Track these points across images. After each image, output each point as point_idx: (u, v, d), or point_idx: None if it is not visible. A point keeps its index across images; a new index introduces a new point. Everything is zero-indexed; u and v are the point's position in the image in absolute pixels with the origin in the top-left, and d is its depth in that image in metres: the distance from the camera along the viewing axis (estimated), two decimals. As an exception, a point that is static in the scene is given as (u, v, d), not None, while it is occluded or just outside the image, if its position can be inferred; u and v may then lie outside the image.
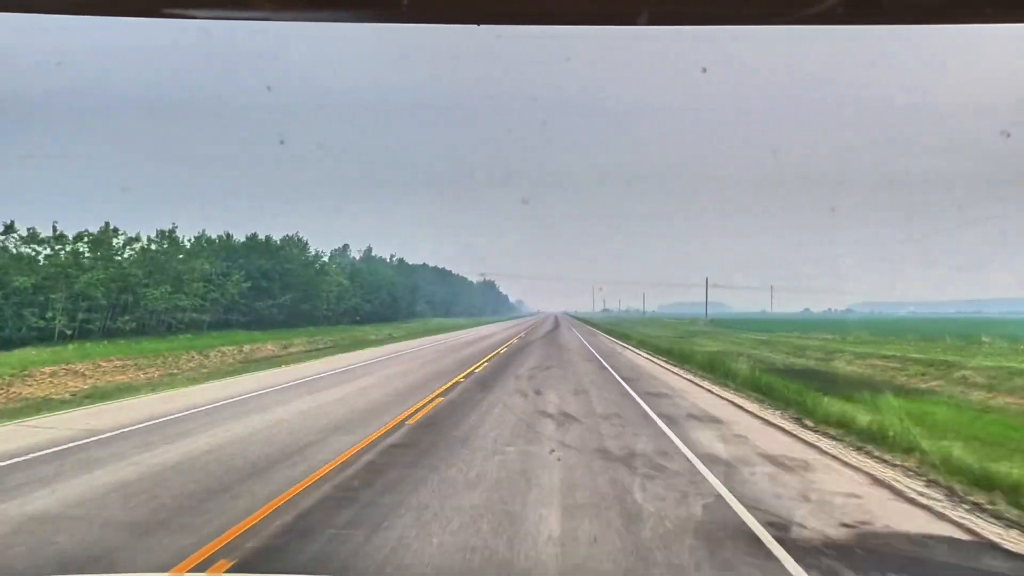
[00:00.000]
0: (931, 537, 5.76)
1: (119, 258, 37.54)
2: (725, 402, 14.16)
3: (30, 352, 24.91)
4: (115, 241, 38.07)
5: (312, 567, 4.93)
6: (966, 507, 6.61)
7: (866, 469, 8.14)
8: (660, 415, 12.13)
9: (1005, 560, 5.33)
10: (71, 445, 9.20)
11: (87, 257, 35.24)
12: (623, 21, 1.66)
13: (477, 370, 20.72)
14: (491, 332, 55.16)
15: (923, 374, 20.22)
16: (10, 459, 8.52)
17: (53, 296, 31.51)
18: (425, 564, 4.97)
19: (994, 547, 5.51)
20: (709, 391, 15.96)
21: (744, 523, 5.89)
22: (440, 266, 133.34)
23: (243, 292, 47.58)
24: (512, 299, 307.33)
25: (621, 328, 64.68)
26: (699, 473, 7.66)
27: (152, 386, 16.70)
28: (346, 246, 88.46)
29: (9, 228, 32.07)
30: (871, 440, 9.47)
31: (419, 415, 11.88)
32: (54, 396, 14.50)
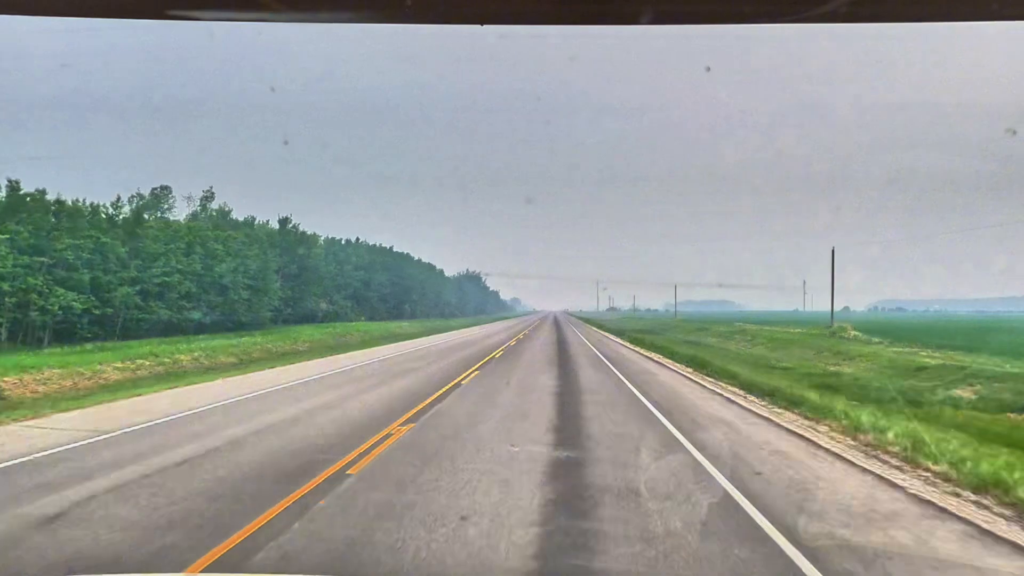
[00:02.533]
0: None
1: None
2: None
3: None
4: None
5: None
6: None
7: None
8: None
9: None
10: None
11: None
12: (627, 20, 1.98)
13: None
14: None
15: None
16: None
17: None
18: None
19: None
20: None
21: None
22: (396, 249, 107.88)
23: None
24: (507, 296, 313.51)
25: (733, 361, 30.89)
26: None
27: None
28: (164, 187, 59.54)
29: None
30: None
31: None
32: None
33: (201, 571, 5.72)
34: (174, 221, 55.82)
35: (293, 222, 73.50)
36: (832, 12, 1.95)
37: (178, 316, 46.47)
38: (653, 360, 31.36)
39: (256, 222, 69.74)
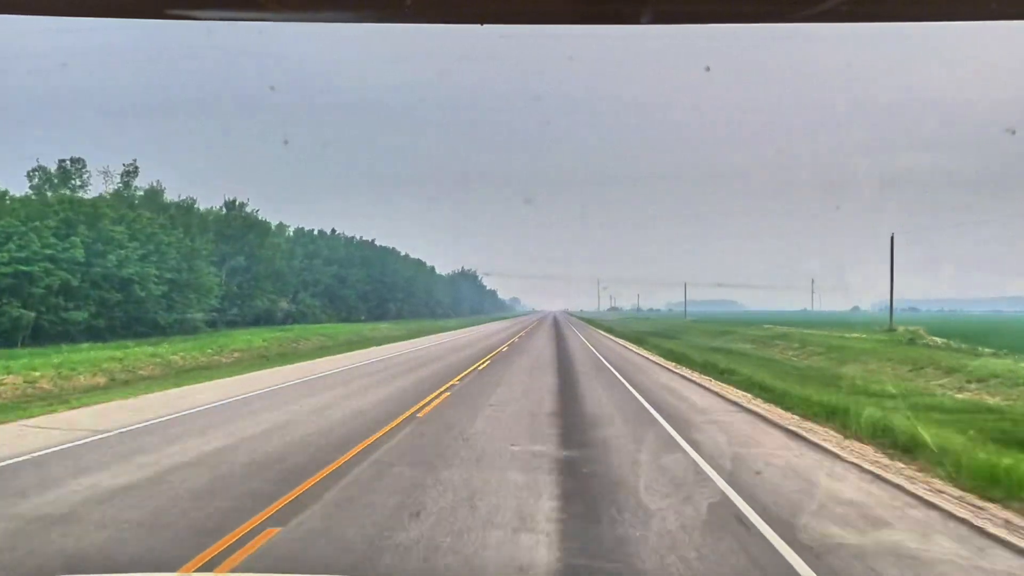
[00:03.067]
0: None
1: None
2: None
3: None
4: None
5: None
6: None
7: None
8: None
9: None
10: None
11: None
12: (627, 20, 2.06)
13: None
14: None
15: None
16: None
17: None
18: None
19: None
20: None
21: None
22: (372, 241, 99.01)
23: None
24: (506, 296, 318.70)
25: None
26: None
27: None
28: (76, 160, 50.26)
29: None
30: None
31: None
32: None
33: (195, 570, 5.84)
34: (43, 194, 45.93)
35: (244, 205, 63.60)
36: (832, 11, 2.03)
37: (51, 318, 36.94)
38: (766, 420, 15.37)
39: (197, 205, 59.74)
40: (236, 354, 34.32)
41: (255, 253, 60.82)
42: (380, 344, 45.16)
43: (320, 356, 34.95)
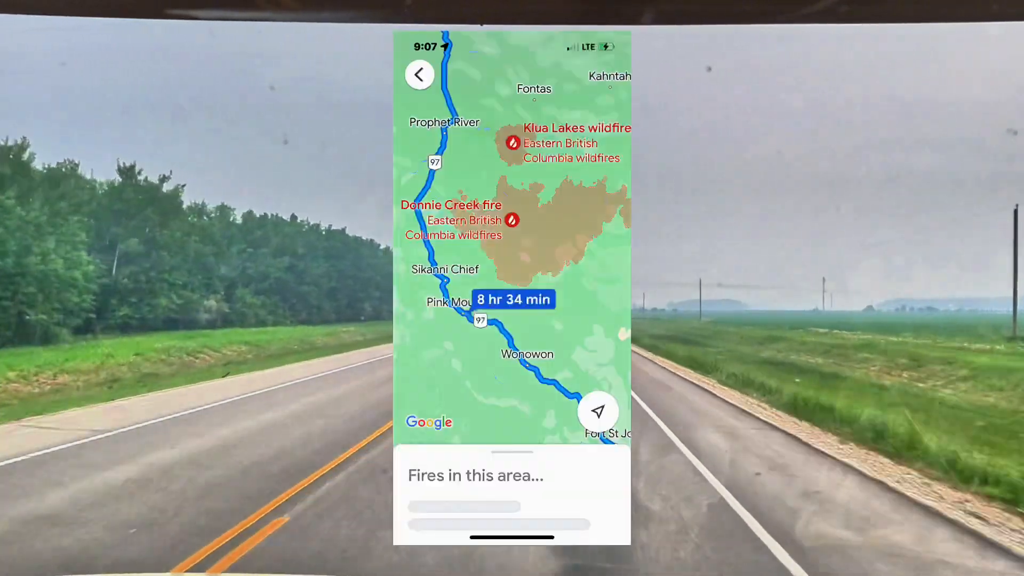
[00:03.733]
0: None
1: None
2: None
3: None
4: None
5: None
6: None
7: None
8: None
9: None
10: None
11: None
12: (627, 20, 2.14)
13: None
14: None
15: None
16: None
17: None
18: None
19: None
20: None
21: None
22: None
23: None
24: None
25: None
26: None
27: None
28: None
29: None
30: None
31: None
32: None
33: (188, 570, 5.93)
34: None
35: (166, 178, 48.50)
36: (832, 11, 2.10)
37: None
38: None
39: (83, 173, 45.91)
40: (64, 377, 24.02)
41: (156, 236, 49.55)
42: (317, 356, 33.44)
43: (209, 379, 24.46)
